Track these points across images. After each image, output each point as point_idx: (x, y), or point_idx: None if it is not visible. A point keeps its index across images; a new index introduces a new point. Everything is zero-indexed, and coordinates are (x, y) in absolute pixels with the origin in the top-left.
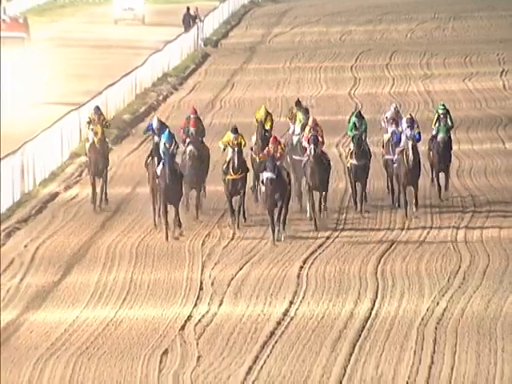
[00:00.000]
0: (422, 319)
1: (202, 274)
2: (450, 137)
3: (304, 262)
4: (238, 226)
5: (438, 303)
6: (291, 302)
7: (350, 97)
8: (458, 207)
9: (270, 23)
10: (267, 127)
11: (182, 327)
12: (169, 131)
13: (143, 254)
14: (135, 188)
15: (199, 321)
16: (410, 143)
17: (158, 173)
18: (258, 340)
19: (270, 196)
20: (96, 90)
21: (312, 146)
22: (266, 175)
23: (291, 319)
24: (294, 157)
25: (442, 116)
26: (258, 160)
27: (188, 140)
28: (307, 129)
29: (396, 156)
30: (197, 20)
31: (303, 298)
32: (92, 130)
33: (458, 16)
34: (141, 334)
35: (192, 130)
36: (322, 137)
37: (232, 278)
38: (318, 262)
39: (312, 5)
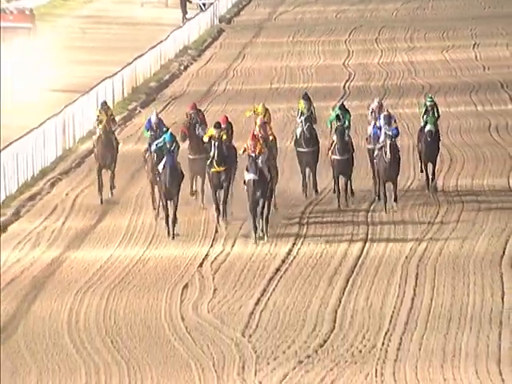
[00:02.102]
0: (406, 258)
1: (217, 219)
2: (437, 129)
3: (303, 212)
4: (218, 222)
5: (419, 244)
6: (294, 243)
7: (344, 66)
8: (436, 160)
9: (275, 3)
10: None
11: (200, 264)
12: (170, 133)
13: None
14: None
15: (215, 259)
16: (388, 141)
17: (160, 170)
18: (266, 276)
19: (252, 196)
20: (126, 60)
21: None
22: (249, 177)
23: (294, 258)
24: (298, 149)
25: (429, 108)
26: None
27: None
28: (256, 129)
29: (376, 152)
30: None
31: (304, 239)
32: (100, 124)
33: None
34: (165, 270)
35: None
36: (271, 134)
37: (243, 223)
38: (317, 209)
39: None
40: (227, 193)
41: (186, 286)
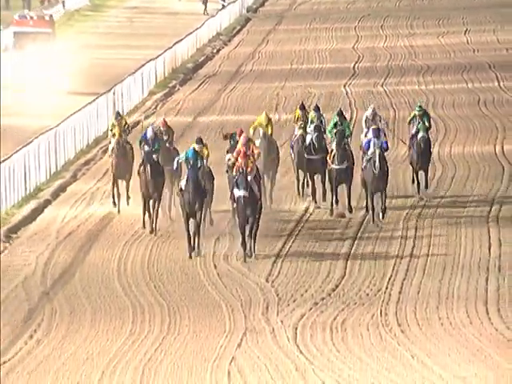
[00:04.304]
0: (407, 214)
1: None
2: (429, 137)
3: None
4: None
5: (418, 202)
6: (310, 203)
7: (354, 50)
8: (433, 130)
9: None
10: (268, 132)
11: (229, 221)
12: (193, 148)
13: None
14: (196, 118)
15: None
16: (378, 152)
17: (183, 187)
18: (286, 230)
19: (241, 213)
20: (167, 45)
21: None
22: (239, 194)
23: (310, 215)
24: (306, 156)
25: (418, 117)
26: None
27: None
28: (238, 147)
29: (364, 163)
30: None
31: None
32: (113, 134)
33: None
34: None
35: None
36: (253, 152)
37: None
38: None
39: None
40: (200, 223)
41: (217, 239)
